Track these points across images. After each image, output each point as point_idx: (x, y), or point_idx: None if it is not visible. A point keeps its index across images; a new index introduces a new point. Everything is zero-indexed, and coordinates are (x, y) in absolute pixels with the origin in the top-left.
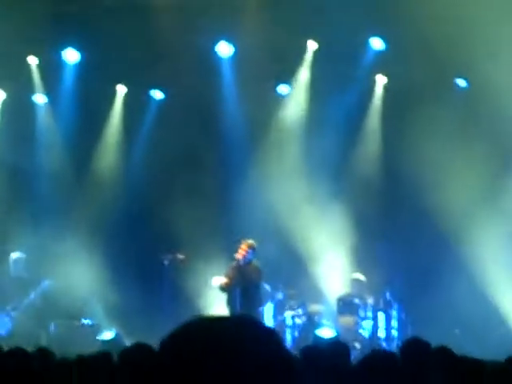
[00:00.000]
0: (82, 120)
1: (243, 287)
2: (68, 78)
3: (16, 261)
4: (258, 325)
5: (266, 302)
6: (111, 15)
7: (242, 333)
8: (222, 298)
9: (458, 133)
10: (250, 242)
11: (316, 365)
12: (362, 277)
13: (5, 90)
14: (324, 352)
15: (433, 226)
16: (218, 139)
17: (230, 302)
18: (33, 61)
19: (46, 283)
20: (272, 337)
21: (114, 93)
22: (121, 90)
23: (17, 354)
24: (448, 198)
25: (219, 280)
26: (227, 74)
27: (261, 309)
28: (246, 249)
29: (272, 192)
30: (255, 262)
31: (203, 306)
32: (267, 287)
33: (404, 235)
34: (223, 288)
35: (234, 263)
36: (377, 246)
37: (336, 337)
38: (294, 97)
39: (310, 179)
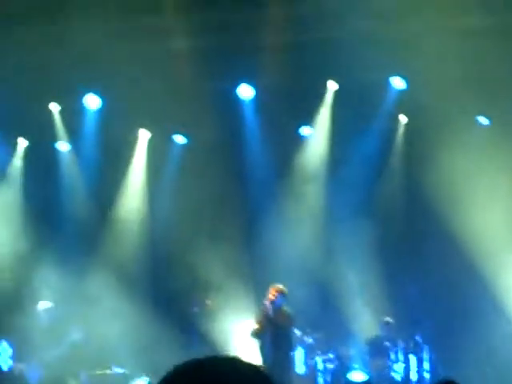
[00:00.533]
0: (105, 165)
1: (274, 333)
2: (90, 124)
3: (45, 311)
4: (247, 363)
5: (296, 346)
6: (132, 60)
7: (229, 372)
8: (251, 342)
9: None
10: (279, 286)
11: None
12: (391, 320)
13: (27, 138)
14: None
15: (461, 258)
16: (241, 182)
17: (263, 349)
18: (55, 107)
19: (78, 335)
20: (259, 374)
21: (135, 138)
22: (143, 134)
23: None
24: (474, 230)
25: (251, 326)
26: (249, 116)
27: (292, 354)
28: (275, 293)
29: (296, 234)
30: (285, 308)
31: (232, 352)
32: (297, 332)
33: (432, 273)
34: (255, 334)
35: (264, 309)
36: (405, 287)
37: (368, 380)
38: (316, 138)
39: (333, 219)
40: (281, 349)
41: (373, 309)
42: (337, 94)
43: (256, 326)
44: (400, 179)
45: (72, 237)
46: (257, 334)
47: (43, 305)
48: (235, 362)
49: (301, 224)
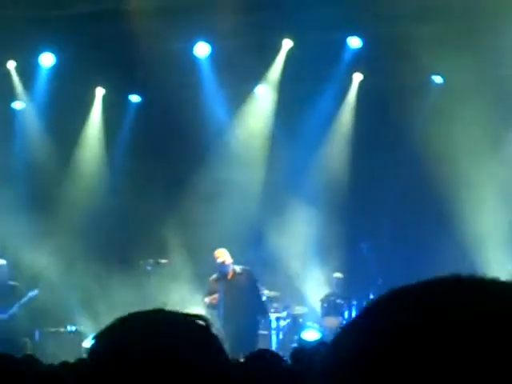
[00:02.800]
0: (61, 121)
1: (233, 295)
2: (44, 82)
3: None
4: (189, 315)
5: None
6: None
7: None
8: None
9: None
10: (223, 250)
11: (305, 367)
12: (341, 275)
13: None
14: (311, 355)
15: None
16: (193, 137)
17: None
18: (11, 65)
19: (35, 292)
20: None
21: (92, 96)
22: (99, 92)
23: (3, 359)
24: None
25: (207, 298)
26: (205, 74)
27: (256, 314)
28: (224, 256)
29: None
30: (237, 267)
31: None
32: None
33: (387, 234)
34: (213, 305)
35: (217, 276)
36: (359, 246)
37: (321, 339)
38: (269, 96)
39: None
40: (241, 311)
41: (325, 266)
42: (291, 52)
43: (212, 296)
44: (351, 137)
45: (28, 191)
46: (214, 305)
47: None
48: (177, 315)
49: (249, 184)
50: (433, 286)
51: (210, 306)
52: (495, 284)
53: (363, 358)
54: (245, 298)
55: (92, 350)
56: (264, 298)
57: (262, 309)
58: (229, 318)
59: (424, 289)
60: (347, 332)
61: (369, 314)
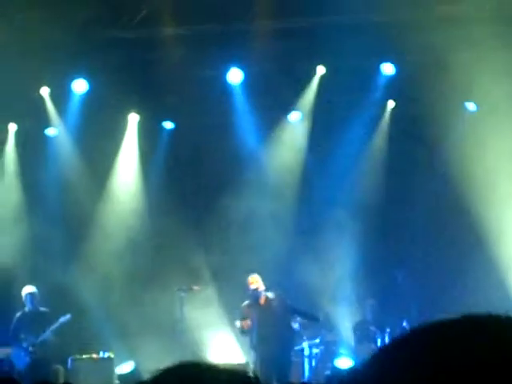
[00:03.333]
0: (95, 147)
1: (266, 322)
2: (77, 108)
3: (30, 295)
4: (231, 369)
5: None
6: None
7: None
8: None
9: None
10: (256, 275)
11: None
12: (374, 301)
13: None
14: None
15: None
16: (224, 164)
17: (253, 343)
18: (45, 91)
19: (67, 317)
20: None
21: (126, 122)
22: (133, 118)
23: None
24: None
25: (239, 323)
26: (238, 100)
27: (289, 340)
28: (258, 281)
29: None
30: (269, 293)
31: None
32: None
33: (421, 261)
34: (244, 330)
35: (249, 302)
36: (392, 273)
37: (354, 366)
38: (302, 123)
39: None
40: (275, 337)
41: (358, 292)
42: (325, 78)
43: (244, 321)
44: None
45: (61, 216)
46: (245, 330)
47: (28, 289)
48: (219, 369)
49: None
50: (457, 328)
51: (242, 331)
52: None
53: None
54: (278, 323)
55: None
56: (297, 326)
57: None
58: (263, 344)
59: (449, 330)
60: (370, 365)
61: (393, 350)
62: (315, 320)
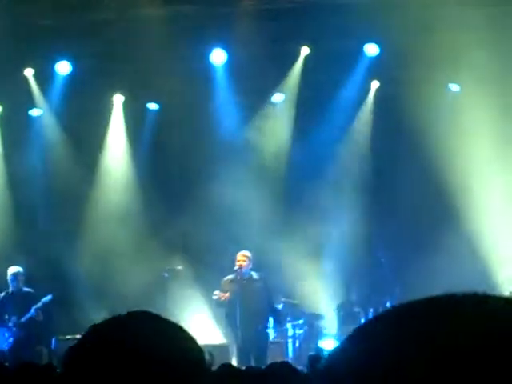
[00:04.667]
0: (78, 128)
1: (245, 300)
2: (61, 89)
3: (13, 275)
4: (164, 320)
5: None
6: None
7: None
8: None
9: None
10: (247, 252)
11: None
12: (357, 281)
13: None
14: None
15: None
16: (206, 145)
17: (229, 318)
18: (29, 72)
19: (49, 297)
20: (183, 332)
21: (108, 103)
22: (117, 99)
23: (26, 368)
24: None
25: (217, 295)
26: (221, 81)
27: (266, 321)
28: (245, 259)
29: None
30: (254, 273)
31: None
32: None
33: (405, 242)
34: (220, 303)
35: (231, 277)
36: (376, 254)
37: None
38: (287, 104)
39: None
40: (253, 317)
41: (343, 275)
42: (308, 59)
43: (222, 294)
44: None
45: (45, 197)
46: (221, 302)
47: (12, 269)
48: (158, 319)
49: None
50: (433, 306)
51: (218, 303)
52: (498, 301)
53: (356, 374)
54: (260, 304)
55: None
56: (280, 306)
57: (277, 316)
58: (242, 323)
59: (424, 308)
60: (345, 346)
61: (365, 331)
62: (278, 323)
